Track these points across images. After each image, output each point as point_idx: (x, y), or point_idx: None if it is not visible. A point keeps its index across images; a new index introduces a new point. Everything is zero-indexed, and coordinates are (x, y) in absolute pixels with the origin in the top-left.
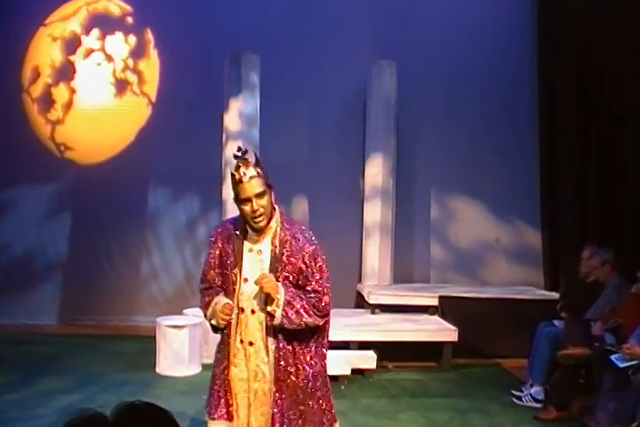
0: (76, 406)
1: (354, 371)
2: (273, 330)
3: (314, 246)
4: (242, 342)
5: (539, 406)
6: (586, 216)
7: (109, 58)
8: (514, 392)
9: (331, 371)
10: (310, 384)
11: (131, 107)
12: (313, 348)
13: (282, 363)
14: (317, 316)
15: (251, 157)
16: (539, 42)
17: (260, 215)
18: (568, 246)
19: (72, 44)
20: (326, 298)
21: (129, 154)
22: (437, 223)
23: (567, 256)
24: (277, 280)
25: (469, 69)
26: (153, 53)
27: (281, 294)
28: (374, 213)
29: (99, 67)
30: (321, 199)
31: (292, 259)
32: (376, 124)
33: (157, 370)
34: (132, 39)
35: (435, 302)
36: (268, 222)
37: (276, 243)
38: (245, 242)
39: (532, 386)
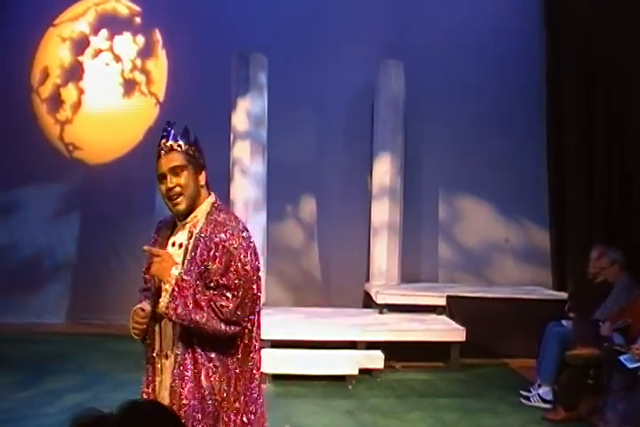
0: (84, 405)
1: (361, 371)
2: (178, 339)
3: (232, 237)
4: (160, 353)
5: (547, 406)
6: (594, 216)
7: (118, 58)
8: (522, 392)
9: (338, 371)
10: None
11: (139, 107)
12: (231, 372)
13: (175, 383)
14: (217, 317)
15: (177, 130)
16: (547, 41)
17: (177, 195)
18: (576, 246)
19: (81, 45)
20: (234, 299)
21: (137, 154)
22: (445, 223)
23: (575, 256)
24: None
25: (477, 69)
26: (161, 53)
27: (172, 277)
28: (382, 212)
29: (107, 67)
30: (329, 198)
31: (203, 249)
32: (384, 123)
33: None
34: (141, 39)
35: (442, 301)
36: (192, 210)
37: (194, 233)
38: (172, 236)
39: (540, 386)
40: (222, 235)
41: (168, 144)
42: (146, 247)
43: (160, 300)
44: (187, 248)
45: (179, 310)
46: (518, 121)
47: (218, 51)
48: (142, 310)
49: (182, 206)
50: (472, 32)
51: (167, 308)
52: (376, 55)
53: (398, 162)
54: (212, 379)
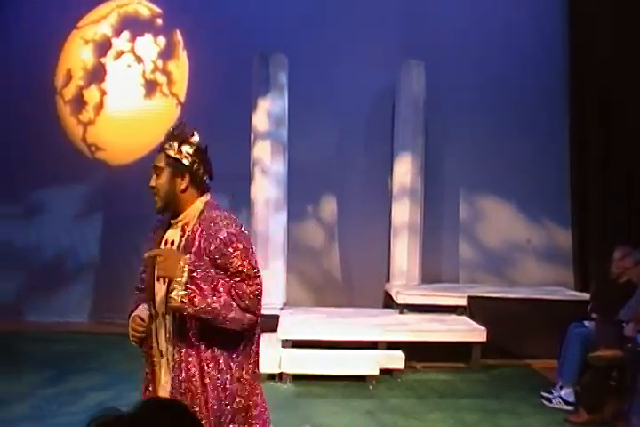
0: (106, 404)
1: (382, 371)
2: (178, 335)
3: (235, 231)
4: (157, 352)
5: (569, 408)
6: (616, 216)
7: (139, 59)
8: (543, 394)
9: (359, 371)
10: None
11: (160, 107)
12: (233, 368)
13: (175, 383)
14: (235, 304)
15: (178, 132)
16: (569, 43)
17: (154, 195)
18: (598, 247)
19: (103, 47)
20: (254, 286)
21: None
22: (466, 223)
23: (598, 257)
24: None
25: (498, 69)
26: (182, 54)
27: (184, 269)
28: (403, 212)
29: (129, 68)
30: (349, 199)
31: (203, 243)
32: (404, 123)
33: None
34: (162, 40)
35: (463, 302)
36: (181, 210)
37: (187, 230)
38: (165, 234)
39: (561, 388)
40: (227, 229)
41: (162, 143)
42: (146, 254)
43: (172, 294)
44: (178, 246)
45: (195, 301)
46: (540, 121)
47: (238, 51)
48: (140, 318)
49: (157, 205)
50: (494, 32)
51: (182, 301)
52: (396, 55)
53: (419, 162)
54: (214, 377)
